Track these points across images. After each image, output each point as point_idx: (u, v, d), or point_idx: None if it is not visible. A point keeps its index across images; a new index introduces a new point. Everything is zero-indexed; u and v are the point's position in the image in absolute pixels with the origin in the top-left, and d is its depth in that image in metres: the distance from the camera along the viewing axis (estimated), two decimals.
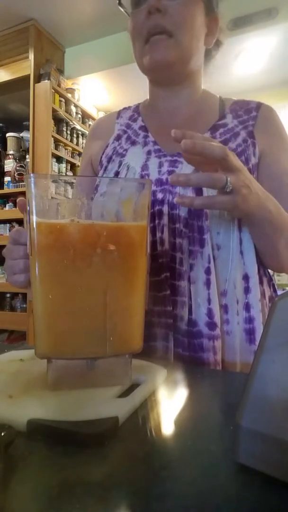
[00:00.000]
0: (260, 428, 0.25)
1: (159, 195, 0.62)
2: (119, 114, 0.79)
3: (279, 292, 0.41)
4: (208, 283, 0.59)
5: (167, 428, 0.33)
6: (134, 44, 0.66)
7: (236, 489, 0.25)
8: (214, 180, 0.46)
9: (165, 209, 0.62)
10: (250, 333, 0.60)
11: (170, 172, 0.63)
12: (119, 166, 0.68)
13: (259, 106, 0.70)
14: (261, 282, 0.64)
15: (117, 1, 0.65)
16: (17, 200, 0.49)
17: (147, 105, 0.76)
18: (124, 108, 0.80)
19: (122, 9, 0.66)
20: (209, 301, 0.59)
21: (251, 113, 0.68)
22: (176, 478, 0.26)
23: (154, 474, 0.26)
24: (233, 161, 0.47)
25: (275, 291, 0.70)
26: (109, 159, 0.70)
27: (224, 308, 0.60)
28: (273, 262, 0.64)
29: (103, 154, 0.73)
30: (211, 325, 0.58)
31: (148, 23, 0.61)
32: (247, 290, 0.61)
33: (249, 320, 0.60)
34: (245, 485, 0.25)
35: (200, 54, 0.68)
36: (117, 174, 0.68)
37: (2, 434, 0.27)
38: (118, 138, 0.73)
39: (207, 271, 0.59)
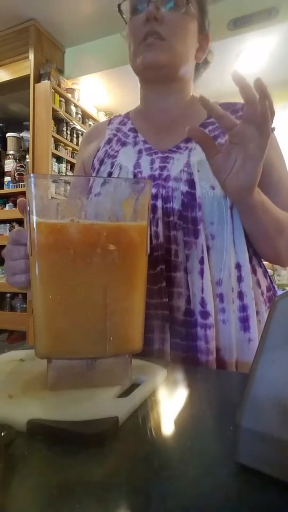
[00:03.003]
0: (260, 428, 0.25)
1: (153, 190, 0.64)
2: (110, 121, 0.81)
3: (279, 292, 0.41)
4: (202, 273, 0.60)
5: (167, 428, 0.33)
6: (130, 46, 0.69)
7: (236, 489, 0.25)
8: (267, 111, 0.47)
9: (159, 203, 0.63)
10: (244, 321, 0.61)
11: (162, 168, 0.65)
12: (112, 167, 0.69)
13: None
14: (254, 272, 0.65)
15: (117, 8, 0.68)
16: (17, 201, 0.49)
17: (137, 110, 0.79)
18: (115, 116, 0.82)
19: (121, 16, 0.69)
20: (202, 290, 0.60)
21: (238, 113, 0.70)
22: (176, 478, 0.26)
23: (154, 474, 0.26)
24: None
25: (272, 282, 0.71)
26: (101, 162, 0.72)
27: (220, 297, 0.61)
28: (268, 250, 0.65)
29: (94, 157, 0.75)
30: (204, 314, 0.60)
31: (144, 28, 0.64)
32: (239, 278, 0.62)
33: (243, 308, 0.62)
34: (245, 485, 0.25)
35: (190, 65, 0.71)
36: (110, 174, 0.69)
37: (2, 434, 0.27)
38: (109, 141, 0.75)
39: (201, 261, 0.61)
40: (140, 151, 0.69)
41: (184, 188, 0.62)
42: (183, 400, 0.39)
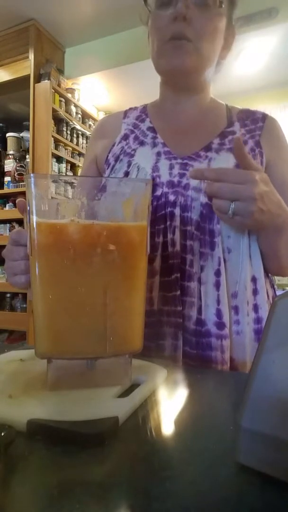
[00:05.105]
0: (260, 428, 0.25)
1: (171, 197, 0.63)
2: (125, 114, 0.78)
3: (279, 292, 0.41)
4: (217, 285, 0.60)
5: (167, 428, 0.33)
6: (153, 43, 0.65)
7: (236, 489, 0.25)
8: (217, 206, 0.51)
9: (177, 211, 0.62)
10: (258, 333, 0.62)
11: (181, 175, 0.64)
12: (129, 166, 0.68)
13: (264, 116, 0.71)
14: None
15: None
16: (17, 201, 0.49)
17: (155, 106, 0.76)
18: (131, 108, 0.79)
19: (146, 8, 0.66)
20: (218, 302, 0.60)
21: (257, 123, 0.70)
22: (176, 478, 0.26)
23: (154, 474, 0.26)
24: (246, 190, 0.49)
25: (275, 291, 0.72)
26: (117, 158, 0.70)
27: (235, 309, 0.61)
28: (273, 265, 0.66)
29: (109, 153, 0.72)
30: (220, 325, 0.60)
31: (172, 28, 0.61)
32: (255, 291, 0.63)
33: (258, 320, 0.62)
34: (245, 485, 0.25)
35: (214, 66, 0.69)
36: (126, 174, 0.67)
37: (2, 434, 0.27)
38: (126, 137, 0.73)
39: (217, 273, 0.60)
40: (158, 154, 0.67)
41: (203, 199, 0.61)
42: (183, 400, 0.39)
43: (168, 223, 0.62)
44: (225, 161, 0.63)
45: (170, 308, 0.61)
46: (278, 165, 0.68)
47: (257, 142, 0.67)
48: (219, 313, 0.60)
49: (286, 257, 0.62)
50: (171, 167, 0.65)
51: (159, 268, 0.62)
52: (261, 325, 0.62)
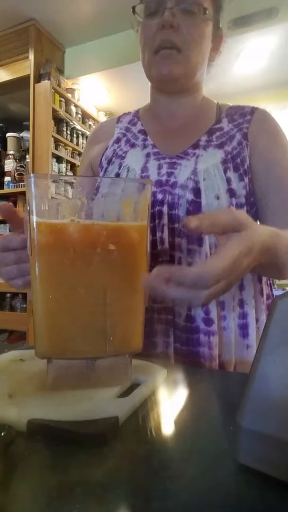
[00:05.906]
0: (260, 428, 0.25)
1: (159, 196, 0.64)
2: (119, 119, 0.80)
3: (277, 292, 0.41)
4: None
5: (167, 428, 0.33)
6: (144, 53, 0.67)
7: (236, 489, 0.25)
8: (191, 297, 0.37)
9: (165, 209, 0.63)
10: (243, 328, 0.62)
11: (169, 174, 0.65)
12: (119, 168, 0.69)
13: (253, 110, 0.72)
14: (259, 280, 0.66)
15: (131, 10, 0.66)
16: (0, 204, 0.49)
17: (147, 110, 0.78)
18: (124, 114, 0.81)
19: (135, 17, 0.67)
20: None
21: (245, 117, 0.70)
22: (176, 477, 0.26)
23: (154, 474, 0.26)
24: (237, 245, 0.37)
25: (272, 290, 0.72)
26: (109, 161, 0.72)
27: (221, 305, 0.62)
28: (273, 275, 0.66)
29: (102, 156, 0.74)
30: (208, 321, 0.60)
31: (159, 36, 0.63)
32: (241, 287, 0.63)
33: (243, 315, 0.63)
34: (245, 485, 0.25)
35: (204, 69, 0.70)
36: (117, 175, 0.69)
37: (2, 434, 0.27)
38: (118, 141, 0.75)
39: None
40: (148, 155, 0.69)
41: (189, 196, 0.62)
42: (183, 400, 0.39)
43: (156, 221, 0.63)
44: (212, 157, 0.64)
45: (161, 305, 0.62)
46: (272, 152, 0.66)
47: (245, 135, 0.67)
48: (207, 310, 0.61)
49: (284, 266, 0.56)
50: (160, 167, 0.66)
51: (148, 267, 0.63)
52: (246, 320, 0.62)
